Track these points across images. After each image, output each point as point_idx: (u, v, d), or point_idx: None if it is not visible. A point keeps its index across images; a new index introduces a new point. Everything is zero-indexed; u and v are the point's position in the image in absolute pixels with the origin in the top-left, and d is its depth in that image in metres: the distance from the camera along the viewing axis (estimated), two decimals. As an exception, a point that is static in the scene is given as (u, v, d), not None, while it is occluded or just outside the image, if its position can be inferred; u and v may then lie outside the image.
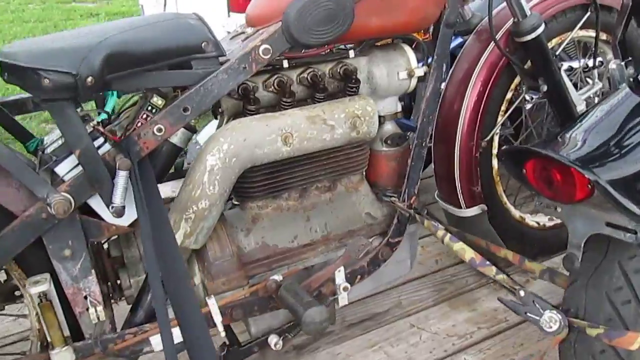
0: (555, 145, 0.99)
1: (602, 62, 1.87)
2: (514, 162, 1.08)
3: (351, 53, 1.41)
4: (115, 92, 1.25)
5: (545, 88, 1.62)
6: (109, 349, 1.23)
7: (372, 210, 1.49)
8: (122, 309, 1.36)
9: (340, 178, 1.46)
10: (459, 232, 1.45)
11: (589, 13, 1.68)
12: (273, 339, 1.39)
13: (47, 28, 6.22)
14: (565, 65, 1.89)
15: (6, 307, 1.35)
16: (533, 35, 1.54)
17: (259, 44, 1.23)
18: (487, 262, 1.22)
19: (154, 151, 1.24)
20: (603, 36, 1.78)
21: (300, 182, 1.40)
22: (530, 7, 1.60)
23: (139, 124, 1.21)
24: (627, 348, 1.00)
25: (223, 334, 1.30)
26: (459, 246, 1.28)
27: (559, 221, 1.79)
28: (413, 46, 1.50)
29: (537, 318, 1.09)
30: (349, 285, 1.39)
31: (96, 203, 1.20)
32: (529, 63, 1.64)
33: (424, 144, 1.44)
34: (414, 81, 1.46)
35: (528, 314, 1.10)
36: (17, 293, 1.33)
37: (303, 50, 1.32)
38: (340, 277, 1.38)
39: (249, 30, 1.33)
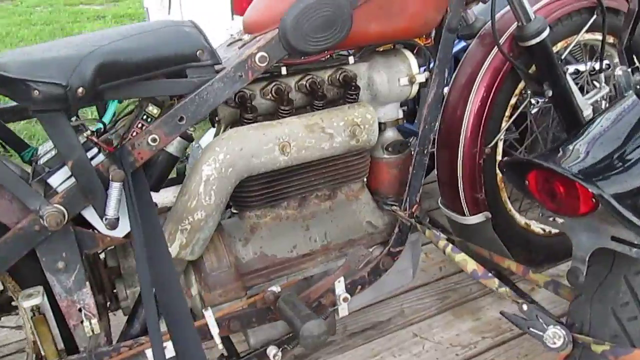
0: (558, 157, 0.95)
1: (609, 65, 1.82)
2: (516, 173, 1.05)
3: (351, 59, 1.38)
4: (115, 100, 1.23)
5: (550, 93, 1.58)
6: (104, 363, 1.21)
7: (373, 218, 1.46)
8: (120, 318, 1.35)
9: (340, 186, 1.44)
10: (461, 242, 1.42)
11: (595, 16, 1.64)
12: (272, 351, 1.37)
13: (54, 31, 6.24)
14: (572, 68, 1.85)
15: (8, 313, 1.35)
16: (537, 40, 1.50)
17: (256, 51, 1.21)
18: (490, 274, 1.19)
19: (150, 161, 1.22)
20: (610, 39, 1.74)
21: (299, 191, 1.38)
22: (535, 10, 1.56)
23: (134, 134, 1.19)
24: (633, 366, 0.97)
25: (220, 346, 1.28)
26: (460, 257, 1.25)
27: (565, 228, 1.75)
28: (414, 51, 1.47)
29: (541, 333, 1.06)
30: (349, 296, 1.37)
31: (90, 214, 1.18)
32: (533, 67, 1.60)
33: (425, 152, 1.41)
34: (415, 87, 1.43)
35: (531, 328, 1.07)
36: (13, 303, 1.32)
37: (302, 57, 1.30)
38: (340, 287, 1.36)
39: (246, 37, 1.30)
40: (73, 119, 1.21)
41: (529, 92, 1.68)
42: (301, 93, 1.34)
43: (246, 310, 1.30)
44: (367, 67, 1.39)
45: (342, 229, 1.43)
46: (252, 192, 1.32)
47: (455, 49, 1.96)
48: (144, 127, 1.19)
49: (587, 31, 1.66)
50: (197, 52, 1.17)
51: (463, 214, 1.67)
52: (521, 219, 1.78)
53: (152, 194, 1.23)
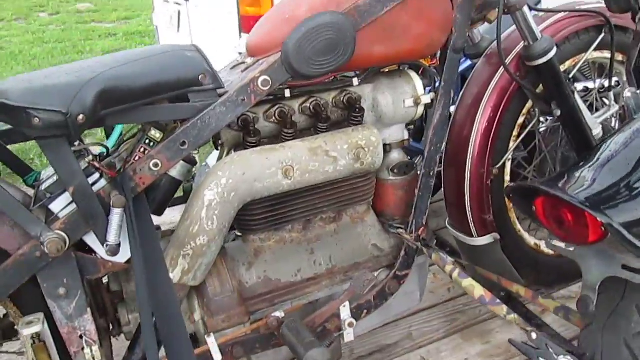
0: (565, 183, 0.93)
1: (618, 83, 1.80)
2: (523, 198, 1.03)
3: (355, 81, 1.37)
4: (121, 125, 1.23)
5: (558, 112, 1.56)
6: (105, 390, 1.20)
7: (379, 241, 1.44)
8: (123, 342, 1.33)
9: (345, 209, 1.42)
10: (469, 266, 1.39)
11: (603, 34, 1.62)
12: (276, 377, 1.35)
13: (66, 48, 6.31)
14: (580, 86, 1.82)
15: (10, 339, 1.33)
16: (544, 60, 1.48)
17: (258, 75, 1.20)
18: (498, 301, 1.17)
19: (152, 185, 1.21)
20: (619, 57, 1.72)
21: (304, 214, 1.36)
22: (542, 29, 1.54)
23: (136, 158, 1.18)
24: (646, 398, 0.93)
25: (223, 373, 1.26)
26: (468, 282, 1.22)
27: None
28: (420, 72, 1.45)
29: (550, 364, 1.03)
30: (354, 321, 1.34)
31: (92, 240, 1.17)
32: (540, 87, 1.58)
33: (431, 174, 1.39)
34: (420, 108, 1.41)
35: (541, 358, 1.04)
36: (16, 328, 1.31)
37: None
38: (345, 312, 1.33)
39: (249, 60, 1.29)
40: (76, 143, 1.21)
41: (537, 110, 1.65)
42: (305, 115, 1.33)
43: (250, 336, 1.28)
44: (371, 88, 1.38)
45: (347, 252, 1.41)
46: (255, 216, 1.31)
47: (461, 68, 1.94)
48: (146, 152, 1.19)
49: (595, 49, 1.64)
50: (200, 77, 1.16)
51: (471, 235, 1.64)
52: (530, 240, 1.75)
53: (156, 217, 1.22)
